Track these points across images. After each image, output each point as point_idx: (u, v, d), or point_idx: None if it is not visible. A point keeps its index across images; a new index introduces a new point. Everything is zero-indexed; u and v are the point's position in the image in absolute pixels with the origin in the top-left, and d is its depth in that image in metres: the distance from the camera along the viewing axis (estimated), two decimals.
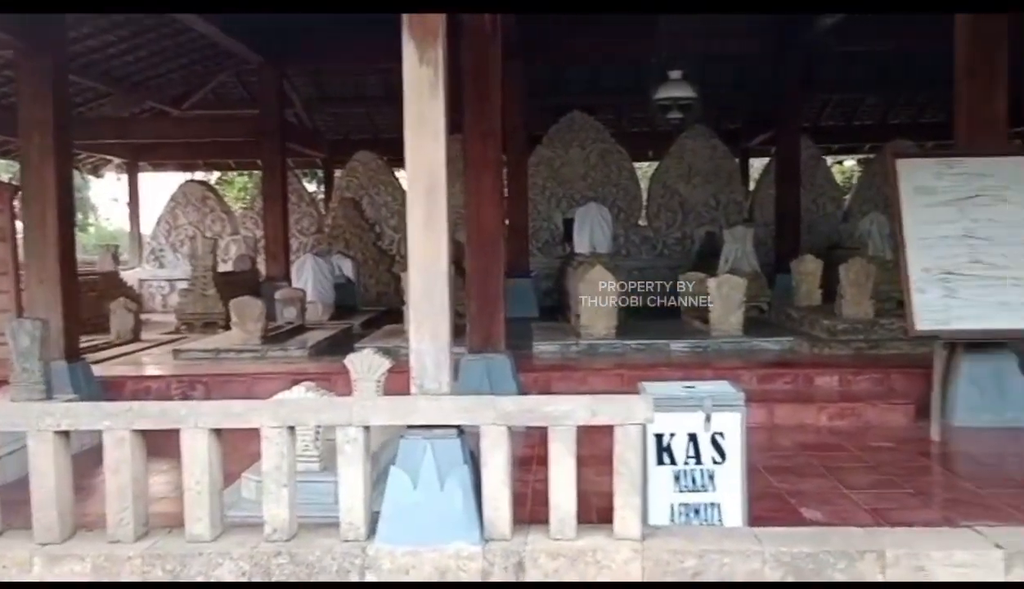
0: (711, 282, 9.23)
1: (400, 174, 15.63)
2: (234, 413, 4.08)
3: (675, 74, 10.78)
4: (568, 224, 12.93)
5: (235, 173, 24.92)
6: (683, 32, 10.66)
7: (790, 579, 3.79)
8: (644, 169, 19.27)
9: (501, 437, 3.98)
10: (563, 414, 3.96)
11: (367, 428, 4.06)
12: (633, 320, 10.12)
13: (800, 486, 5.16)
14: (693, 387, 4.31)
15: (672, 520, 4.14)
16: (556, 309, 11.84)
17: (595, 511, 4.45)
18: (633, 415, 3.90)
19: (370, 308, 13.24)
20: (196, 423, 4.03)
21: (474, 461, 4.07)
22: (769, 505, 4.73)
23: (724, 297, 9.06)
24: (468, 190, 7.07)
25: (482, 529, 3.95)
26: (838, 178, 22.22)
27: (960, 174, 6.55)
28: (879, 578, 3.77)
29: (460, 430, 4.08)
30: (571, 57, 13.04)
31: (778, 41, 11.75)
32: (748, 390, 7.27)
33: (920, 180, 6.62)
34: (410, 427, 4.07)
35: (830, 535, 3.98)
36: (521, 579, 3.85)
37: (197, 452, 4.03)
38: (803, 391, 7.40)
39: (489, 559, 3.87)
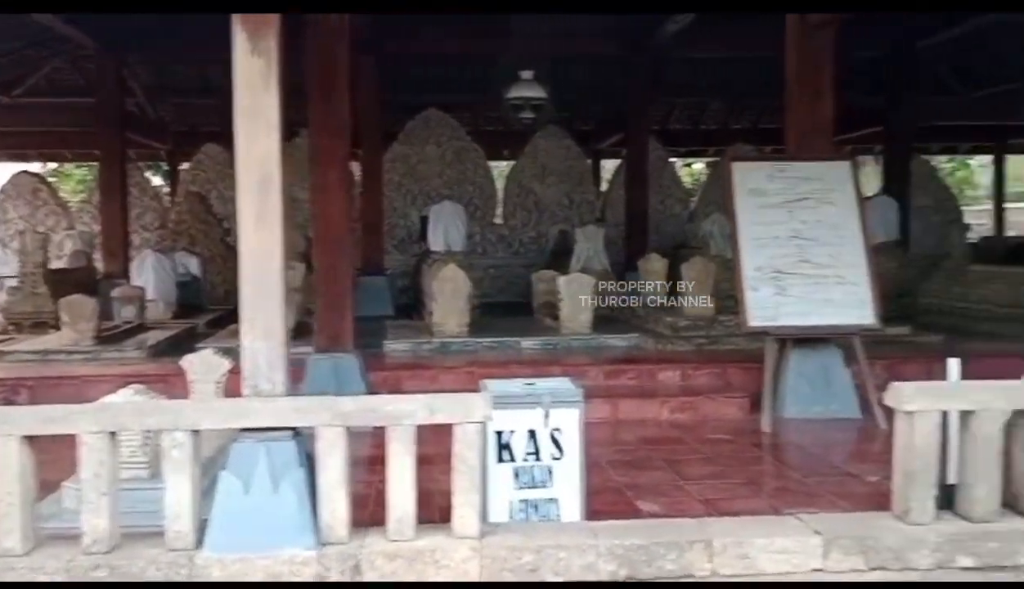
0: (561, 280, 9.38)
1: None
2: (50, 418, 3.84)
3: (526, 74, 10.89)
4: (423, 222, 12.87)
5: (73, 165, 23.60)
6: (536, 33, 10.79)
7: (623, 572, 3.87)
8: (501, 168, 19.40)
9: (338, 438, 3.90)
10: (402, 414, 3.92)
11: (196, 432, 3.89)
12: (487, 318, 10.17)
13: (639, 479, 5.28)
14: (533, 384, 4.34)
15: (512, 517, 4.17)
16: (412, 307, 11.76)
17: (439, 510, 4.42)
18: (472, 413, 3.90)
19: (217, 307, 12.76)
20: (8, 430, 3.77)
21: (311, 463, 3.97)
22: (608, 499, 4.82)
23: (574, 295, 9.22)
24: (314, 186, 6.92)
25: (319, 533, 3.86)
26: (688, 180, 23.04)
27: (790, 177, 6.88)
28: (707, 567, 3.90)
29: (296, 432, 3.97)
30: (424, 55, 12.98)
31: (628, 44, 12.04)
32: (594, 386, 7.54)
33: (753, 183, 6.91)
34: (243, 430, 3.93)
35: (662, 527, 4.10)
36: (358, 581, 3.78)
37: (8, 461, 3.76)
38: (647, 386, 7.60)
39: (324, 563, 3.79)
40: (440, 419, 3.93)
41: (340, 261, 6.91)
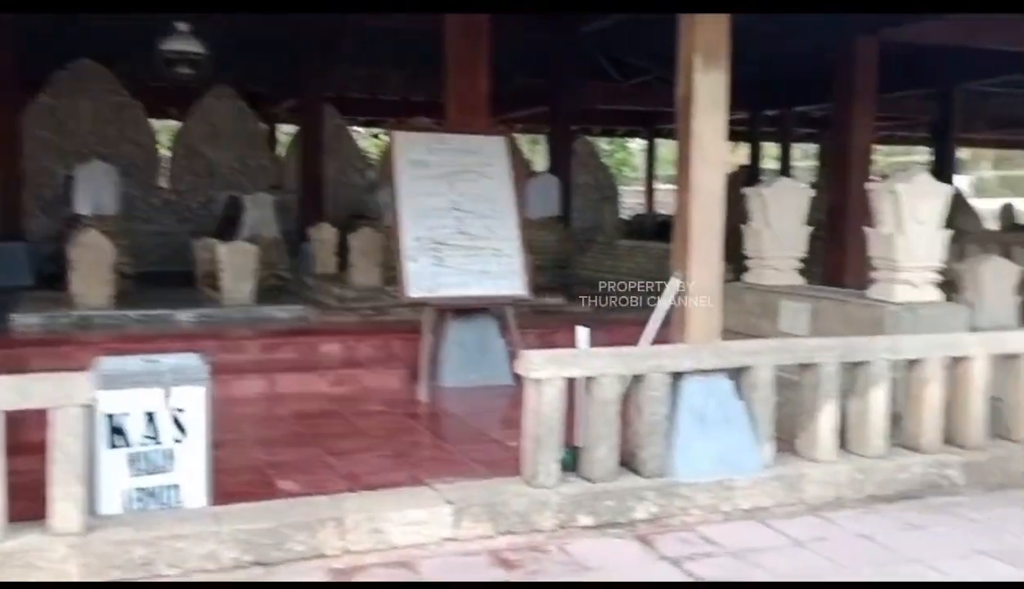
0: (222, 249, 8.86)
1: None
2: None
3: (183, 26, 10.13)
4: (67, 182, 11.63)
5: None
6: None
7: (248, 557, 3.67)
8: (171, 128, 18.08)
9: None
10: None
11: None
12: (144, 289, 9.39)
13: (285, 457, 5.07)
14: (156, 361, 3.98)
15: (127, 508, 3.80)
16: (58, 277, 10.59)
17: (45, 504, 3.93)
18: (74, 396, 3.48)
19: None
20: None
21: None
22: (246, 480, 4.56)
23: (236, 265, 8.75)
24: None
25: None
26: (375, 151, 22.89)
27: (449, 150, 6.95)
28: (338, 546, 3.79)
29: None
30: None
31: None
32: (251, 360, 7.20)
33: (415, 154, 6.90)
34: None
35: (293, 507, 3.94)
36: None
37: None
38: (308, 359, 7.36)
39: None
40: (36, 403, 3.48)
41: None
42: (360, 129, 23.17)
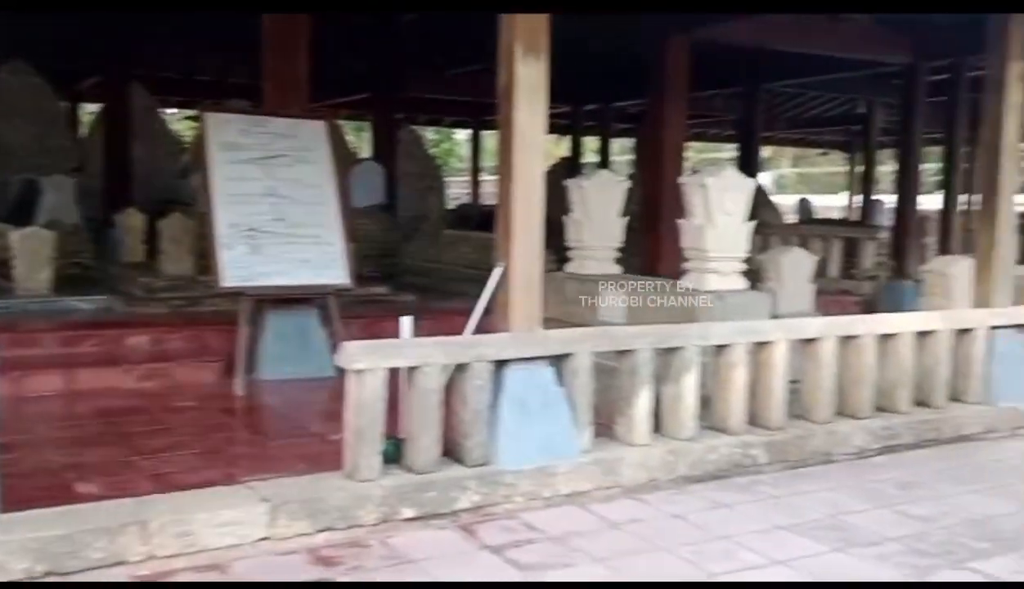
0: (14, 235, 8.19)
1: None
2: None
3: None
4: None
5: None
6: None
7: (41, 567, 3.38)
8: None
9: None
10: None
11: None
12: None
13: (85, 458, 4.73)
14: None
15: None
16: None
17: None
18: None
19: None
20: None
21: None
22: (41, 484, 4.22)
23: (31, 252, 8.11)
24: None
25: None
26: (190, 134, 21.82)
27: (265, 133, 6.67)
28: (142, 551, 3.56)
29: None
30: None
31: None
32: (46, 355, 6.70)
33: (228, 136, 6.58)
34: None
35: (92, 512, 3.66)
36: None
37: None
38: (112, 353, 6.91)
39: None
40: None
41: None
42: (173, 110, 22.10)
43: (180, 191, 14.60)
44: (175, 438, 5.22)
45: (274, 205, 6.60)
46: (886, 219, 15.56)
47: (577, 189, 6.68)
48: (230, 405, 6.12)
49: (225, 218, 6.44)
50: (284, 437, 5.32)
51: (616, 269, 6.78)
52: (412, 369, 4.31)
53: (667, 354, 5.05)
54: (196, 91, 17.94)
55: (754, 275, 6.51)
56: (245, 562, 3.67)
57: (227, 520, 3.74)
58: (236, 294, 6.59)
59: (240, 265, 6.43)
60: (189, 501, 3.84)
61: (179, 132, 20.04)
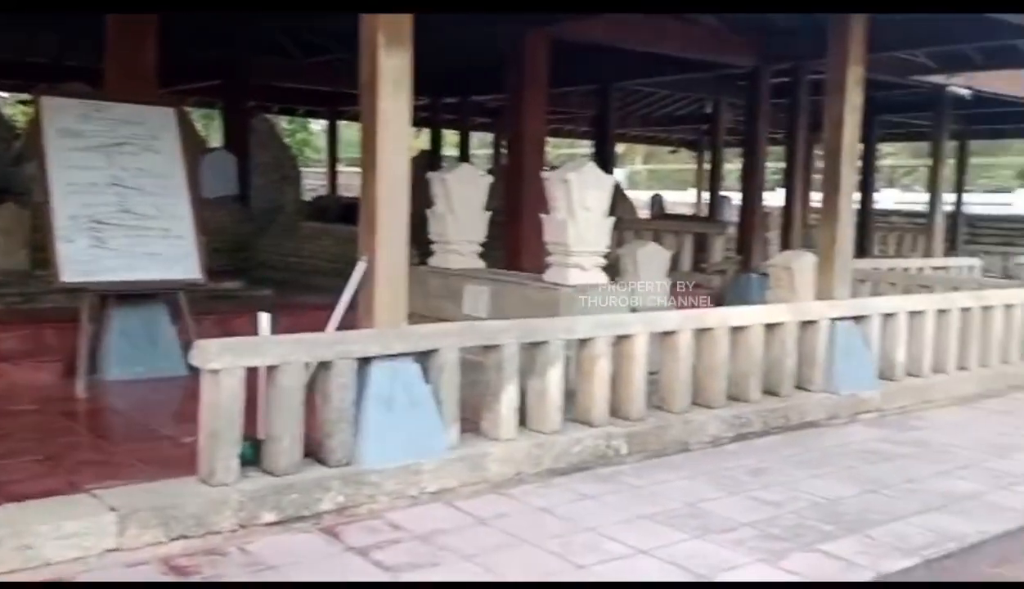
0: None
1: None
2: None
3: None
4: None
5: None
6: None
7: None
8: None
9: None
10: None
11: None
12: None
13: None
14: None
15: None
16: None
17: None
18: None
19: None
20: None
21: None
22: None
23: None
24: None
25: None
26: (24, 119, 20.46)
27: (108, 119, 6.30)
28: None
29: None
30: None
31: None
32: None
33: (66, 123, 6.18)
34: None
35: None
36: None
37: None
38: None
39: None
40: None
41: None
42: (5, 95, 20.74)
43: (13, 180, 13.67)
44: (11, 444, 4.85)
45: (119, 195, 6.25)
46: (733, 215, 16.22)
47: (440, 183, 6.62)
48: (72, 408, 5.75)
49: (65, 209, 6.05)
50: (132, 441, 5.04)
51: (480, 263, 6.76)
52: (272, 368, 4.16)
53: (533, 348, 5.07)
54: (31, 74, 16.83)
55: (612, 269, 6.64)
56: (92, 575, 3.45)
57: (71, 532, 3.50)
58: (77, 290, 6.20)
59: (82, 259, 6.06)
60: (29, 513, 3.57)
61: (12, 117, 18.78)
